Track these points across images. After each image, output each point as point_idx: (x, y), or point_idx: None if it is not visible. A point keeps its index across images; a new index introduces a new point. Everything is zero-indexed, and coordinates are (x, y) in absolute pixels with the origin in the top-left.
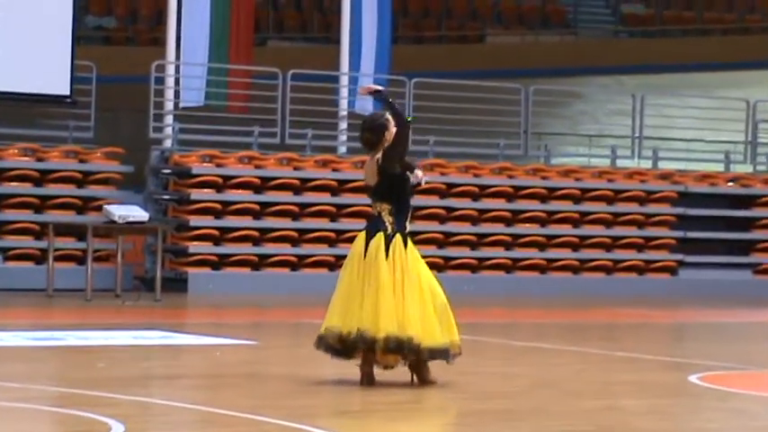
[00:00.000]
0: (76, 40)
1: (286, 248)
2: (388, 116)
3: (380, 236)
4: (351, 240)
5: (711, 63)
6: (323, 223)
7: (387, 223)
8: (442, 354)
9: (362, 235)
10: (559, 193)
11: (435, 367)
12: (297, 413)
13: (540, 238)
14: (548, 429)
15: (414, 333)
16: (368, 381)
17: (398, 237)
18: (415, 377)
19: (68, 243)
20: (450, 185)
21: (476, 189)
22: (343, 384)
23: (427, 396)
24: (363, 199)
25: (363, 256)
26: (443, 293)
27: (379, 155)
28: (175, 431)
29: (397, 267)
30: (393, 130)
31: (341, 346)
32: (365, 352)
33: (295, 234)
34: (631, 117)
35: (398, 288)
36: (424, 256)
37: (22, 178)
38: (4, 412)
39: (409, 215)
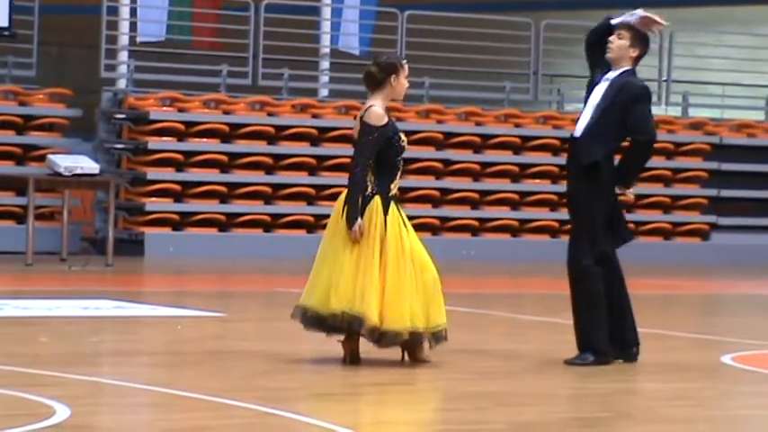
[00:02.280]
0: None
1: (258, 206)
2: (405, 63)
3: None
4: (332, 197)
5: None
6: (301, 177)
7: (367, 182)
8: (397, 337)
9: (343, 195)
10: None
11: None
12: (270, 396)
13: (551, 196)
14: (557, 416)
15: (368, 312)
16: (351, 359)
17: (377, 199)
18: (406, 355)
19: (6, 198)
20: (448, 135)
21: (477, 139)
22: (323, 363)
23: (418, 377)
24: (348, 149)
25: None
26: (434, 267)
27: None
28: (129, 415)
29: (369, 235)
30: (404, 81)
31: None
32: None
33: (269, 190)
34: (658, 57)
35: (367, 259)
36: (417, 217)
37: None
38: None
39: (397, 176)
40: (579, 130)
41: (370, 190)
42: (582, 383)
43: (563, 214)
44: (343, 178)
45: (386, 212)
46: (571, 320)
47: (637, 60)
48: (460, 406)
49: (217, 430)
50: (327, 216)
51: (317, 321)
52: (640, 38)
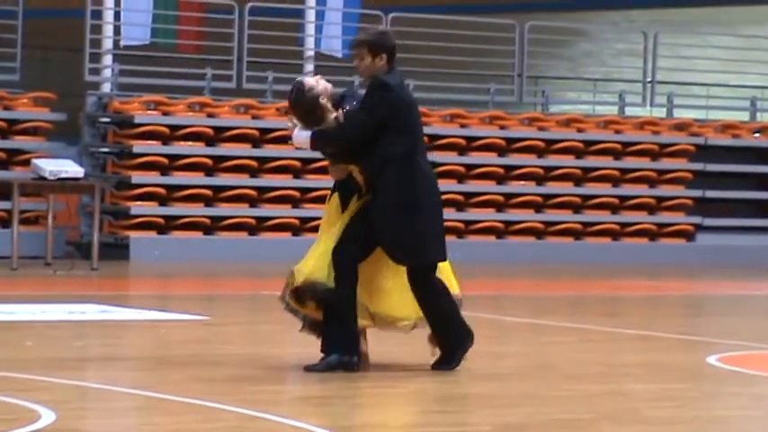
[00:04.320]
0: None
1: (243, 209)
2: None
3: (355, 198)
4: (317, 200)
5: None
6: (286, 180)
7: (361, 183)
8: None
9: (336, 196)
10: (559, 145)
11: (417, 347)
12: (254, 399)
13: (536, 198)
14: (541, 417)
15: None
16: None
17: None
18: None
19: None
20: (433, 137)
21: (462, 141)
22: None
23: (402, 379)
24: None
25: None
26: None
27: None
28: (114, 419)
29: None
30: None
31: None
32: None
33: (253, 193)
34: (643, 58)
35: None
36: None
37: None
38: None
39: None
40: None
41: (364, 191)
42: (567, 385)
43: (548, 216)
44: (327, 181)
45: None
46: (553, 322)
47: (391, 61)
48: (445, 408)
49: None
50: (312, 219)
51: None
52: (378, 44)
